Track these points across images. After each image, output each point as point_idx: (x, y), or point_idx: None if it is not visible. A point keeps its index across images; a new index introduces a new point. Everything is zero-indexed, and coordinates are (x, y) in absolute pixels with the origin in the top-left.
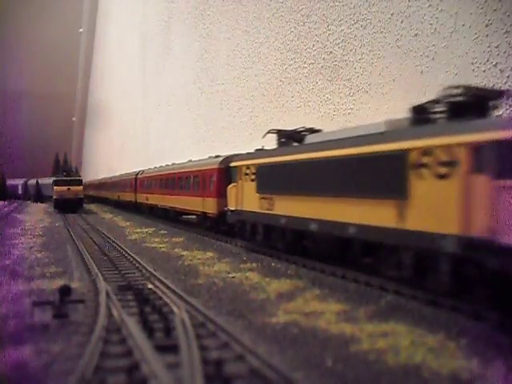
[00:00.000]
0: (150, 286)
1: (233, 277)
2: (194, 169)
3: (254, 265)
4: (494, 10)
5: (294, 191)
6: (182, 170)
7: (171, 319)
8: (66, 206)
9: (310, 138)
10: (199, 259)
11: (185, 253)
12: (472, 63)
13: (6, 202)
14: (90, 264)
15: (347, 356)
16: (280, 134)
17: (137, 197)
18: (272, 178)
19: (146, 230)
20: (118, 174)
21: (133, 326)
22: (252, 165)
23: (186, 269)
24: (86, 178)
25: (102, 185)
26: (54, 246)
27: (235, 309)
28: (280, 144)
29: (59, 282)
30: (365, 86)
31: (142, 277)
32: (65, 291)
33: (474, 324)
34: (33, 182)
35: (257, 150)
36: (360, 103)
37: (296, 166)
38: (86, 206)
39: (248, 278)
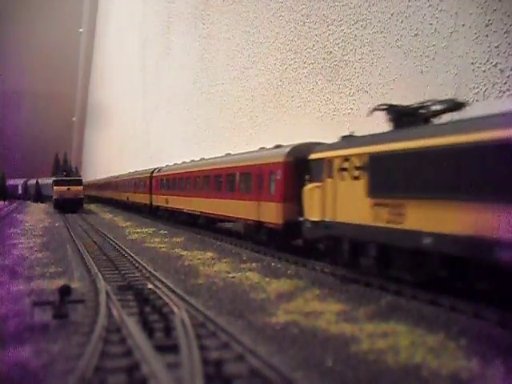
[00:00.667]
0: (149, 286)
1: (233, 277)
2: (243, 164)
3: (254, 265)
4: (494, 9)
5: (459, 194)
6: (223, 166)
7: (171, 319)
8: (66, 206)
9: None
10: (199, 259)
11: (185, 253)
12: (472, 63)
13: (6, 202)
14: (90, 264)
15: (347, 356)
16: (394, 110)
17: (152, 199)
18: (403, 175)
19: (146, 230)
20: (126, 172)
21: (133, 326)
22: (357, 155)
23: (186, 269)
24: (86, 177)
25: (106, 184)
26: (54, 246)
27: (235, 309)
28: (396, 125)
29: (59, 282)
30: (365, 86)
31: (141, 277)
32: (65, 291)
33: (474, 323)
34: (33, 182)
35: (344, 136)
36: (360, 103)
37: (465, 152)
38: (86, 206)
39: (248, 278)
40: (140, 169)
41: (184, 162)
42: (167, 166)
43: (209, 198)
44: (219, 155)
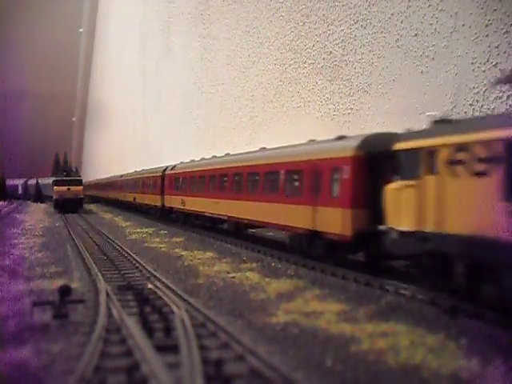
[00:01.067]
0: (149, 285)
1: (233, 277)
2: (291, 159)
3: (254, 265)
4: (494, 9)
5: None
6: (260, 163)
7: (171, 319)
8: (66, 206)
9: None
10: (199, 259)
11: (185, 253)
12: (472, 63)
13: (6, 202)
14: (90, 264)
15: (347, 356)
16: None
17: (165, 200)
18: None
19: (146, 229)
20: (131, 170)
21: (133, 325)
22: (483, 143)
23: (186, 269)
24: (86, 177)
25: (109, 184)
26: (54, 246)
27: (235, 309)
28: None
29: (59, 282)
30: (365, 86)
31: (142, 277)
32: (65, 291)
33: (474, 324)
34: (33, 182)
35: (438, 121)
36: (360, 103)
37: None
38: (86, 207)
39: (248, 278)
40: (148, 167)
41: (203, 159)
42: (182, 163)
43: (240, 201)
44: (252, 150)
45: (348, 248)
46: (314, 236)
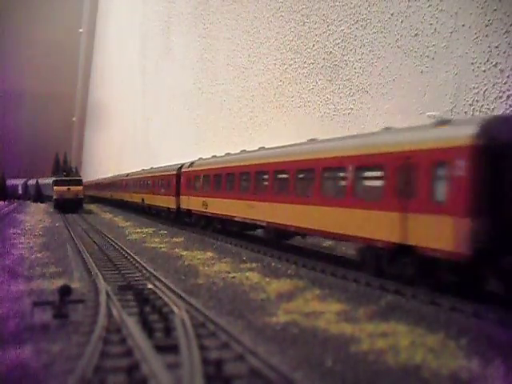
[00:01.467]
0: (150, 286)
1: (233, 277)
2: (365, 152)
3: (254, 265)
4: (494, 9)
5: None
6: (316, 157)
7: (171, 319)
8: (66, 206)
9: None
10: (199, 259)
11: (185, 253)
12: (472, 63)
13: (6, 202)
14: (90, 264)
15: (347, 356)
16: None
17: (181, 201)
18: None
19: (146, 230)
20: (138, 169)
21: (133, 325)
22: None
23: (185, 269)
24: (86, 177)
25: (113, 184)
26: (54, 246)
27: (235, 309)
28: None
29: (59, 282)
30: (365, 86)
31: (142, 277)
32: (65, 291)
33: (474, 323)
34: (33, 182)
35: None
36: (360, 103)
37: None
38: (86, 207)
39: (248, 278)
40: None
41: (228, 154)
42: (200, 159)
43: (287, 204)
44: (299, 142)
45: (457, 268)
46: (400, 251)
